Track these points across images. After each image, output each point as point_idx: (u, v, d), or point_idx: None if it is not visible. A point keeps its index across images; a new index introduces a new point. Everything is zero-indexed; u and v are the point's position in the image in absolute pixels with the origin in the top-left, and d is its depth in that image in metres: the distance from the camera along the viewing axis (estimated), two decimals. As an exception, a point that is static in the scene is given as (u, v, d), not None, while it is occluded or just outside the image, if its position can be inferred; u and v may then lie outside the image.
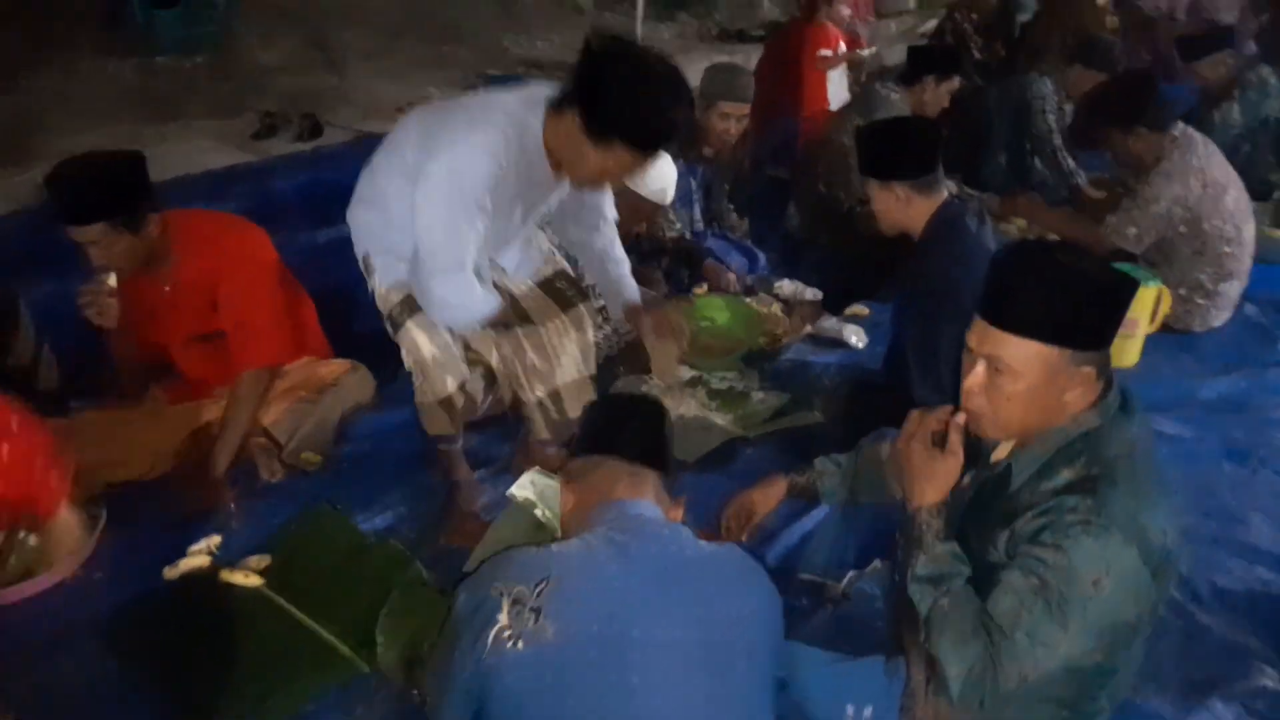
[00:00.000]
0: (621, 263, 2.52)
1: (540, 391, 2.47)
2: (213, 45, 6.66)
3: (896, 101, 4.04)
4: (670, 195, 2.87)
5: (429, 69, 6.54)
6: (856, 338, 3.39)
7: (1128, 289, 1.47)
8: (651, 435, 1.53)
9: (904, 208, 2.54)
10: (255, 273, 2.45)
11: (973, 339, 1.53)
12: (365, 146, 4.84)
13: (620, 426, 1.52)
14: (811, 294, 3.63)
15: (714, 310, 3.29)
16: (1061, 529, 1.41)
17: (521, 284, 2.44)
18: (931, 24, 8.92)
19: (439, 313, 2.16)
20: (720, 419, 2.93)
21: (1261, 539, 2.49)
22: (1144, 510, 1.43)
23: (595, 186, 2.21)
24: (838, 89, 4.82)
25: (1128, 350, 3.29)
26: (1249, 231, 3.45)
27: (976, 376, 1.51)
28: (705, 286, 3.73)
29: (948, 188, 4.09)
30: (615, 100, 1.85)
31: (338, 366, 2.62)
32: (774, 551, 2.27)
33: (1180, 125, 3.44)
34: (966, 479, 1.64)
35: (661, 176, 2.79)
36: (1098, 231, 3.48)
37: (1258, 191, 4.53)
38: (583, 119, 1.89)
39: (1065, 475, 1.47)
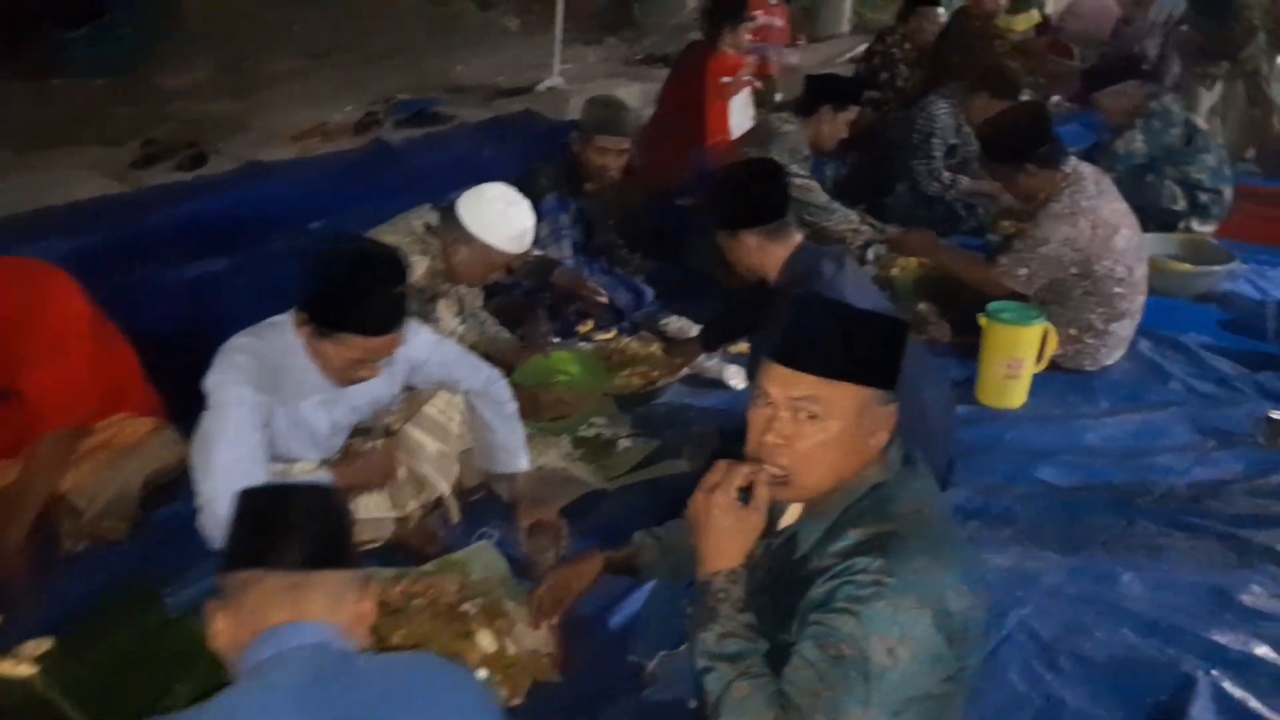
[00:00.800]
0: (497, 430, 2.45)
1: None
2: (124, 68, 6.46)
3: (791, 133, 3.94)
4: (528, 242, 2.74)
5: (348, 92, 6.36)
6: (738, 379, 3.26)
7: (901, 330, 1.46)
8: (317, 531, 1.22)
9: (757, 255, 2.43)
10: (60, 325, 2.27)
11: (773, 387, 1.42)
12: (246, 177, 4.82)
13: (274, 529, 1.20)
14: (696, 331, 3.50)
15: (566, 364, 3.13)
16: (853, 592, 1.30)
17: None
18: (863, 48, 8.91)
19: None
20: (580, 470, 2.77)
21: (1131, 599, 2.36)
22: (939, 570, 1.32)
23: (349, 380, 2.13)
24: (741, 118, 4.71)
25: (1014, 391, 3.20)
26: (1140, 271, 3.37)
27: (781, 426, 1.40)
28: (590, 323, 3.61)
29: (849, 219, 4.09)
30: (335, 296, 1.98)
31: (143, 426, 2.43)
32: (602, 632, 2.13)
33: (1072, 162, 3.35)
34: (760, 550, 1.50)
35: (509, 225, 2.66)
36: (990, 271, 3.38)
37: (1162, 222, 4.50)
38: (311, 321, 2.00)
39: (853, 535, 1.38)
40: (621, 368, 3.26)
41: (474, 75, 7.06)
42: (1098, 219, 3.22)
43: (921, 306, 3.68)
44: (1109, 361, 3.44)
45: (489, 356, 2.71)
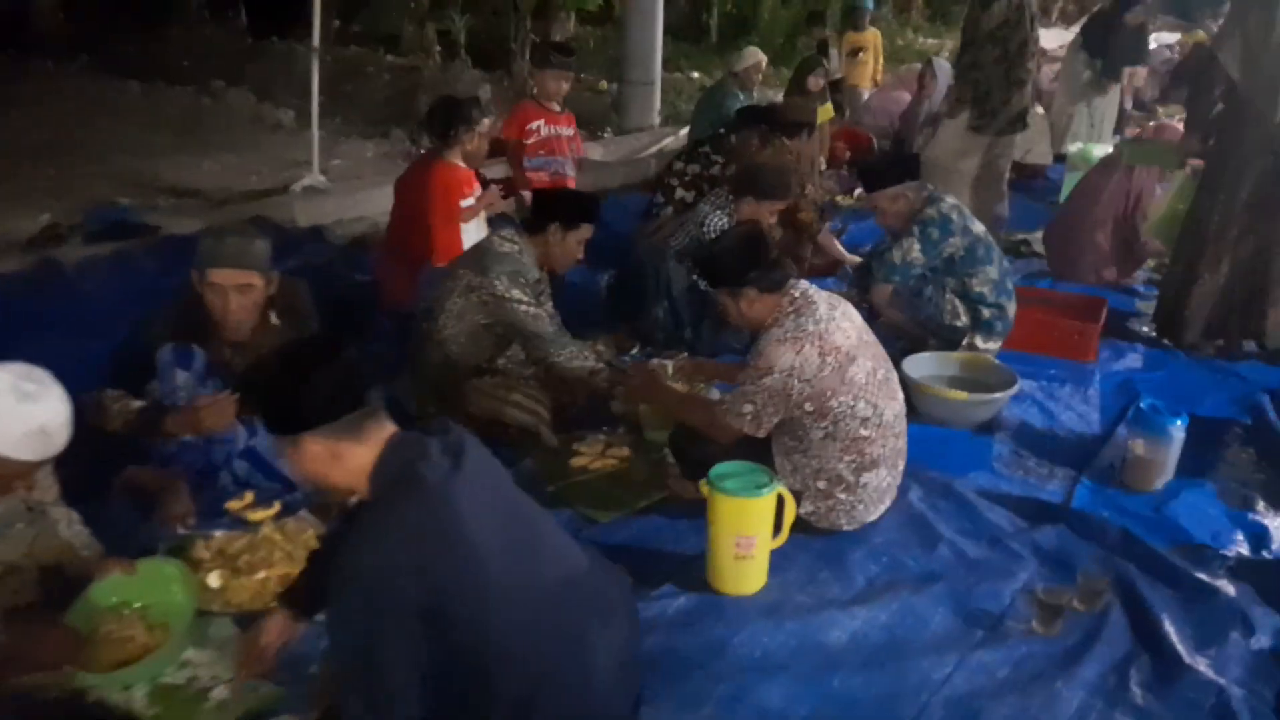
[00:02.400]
0: None
1: None
2: None
3: (511, 254, 3.34)
4: (55, 445, 2.00)
5: (55, 196, 5.49)
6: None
7: None
8: None
9: (333, 463, 1.78)
10: None
11: None
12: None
13: None
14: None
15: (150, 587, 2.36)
16: None
17: None
18: (669, 140, 8.58)
19: None
20: None
21: None
22: None
23: None
24: (476, 236, 4.10)
25: (748, 574, 2.60)
26: (892, 410, 2.86)
27: None
28: (249, 496, 2.86)
29: (580, 354, 3.46)
30: None
31: None
32: None
33: (802, 285, 2.85)
34: None
35: (17, 424, 1.92)
36: (713, 412, 2.83)
37: (945, 339, 4.09)
38: None
39: None
40: (252, 571, 2.52)
41: (221, 176, 6.28)
42: (826, 345, 2.70)
43: (668, 460, 3.12)
44: (871, 518, 2.91)
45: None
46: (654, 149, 8.43)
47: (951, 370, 3.86)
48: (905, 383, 3.61)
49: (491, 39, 9.48)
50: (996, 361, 3.83)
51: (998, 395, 3.59)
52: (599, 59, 11.16)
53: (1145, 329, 4.75)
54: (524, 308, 3.27)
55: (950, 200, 4.05)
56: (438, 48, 8.98)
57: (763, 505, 2.55)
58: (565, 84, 5.30)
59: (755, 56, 7.41)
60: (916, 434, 3.36)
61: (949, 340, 4.09)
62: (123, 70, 8.68)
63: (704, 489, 2.59)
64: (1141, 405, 3.26)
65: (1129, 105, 9.63)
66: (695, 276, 4.10)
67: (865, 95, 9.12)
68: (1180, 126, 8.04)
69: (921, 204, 4.03)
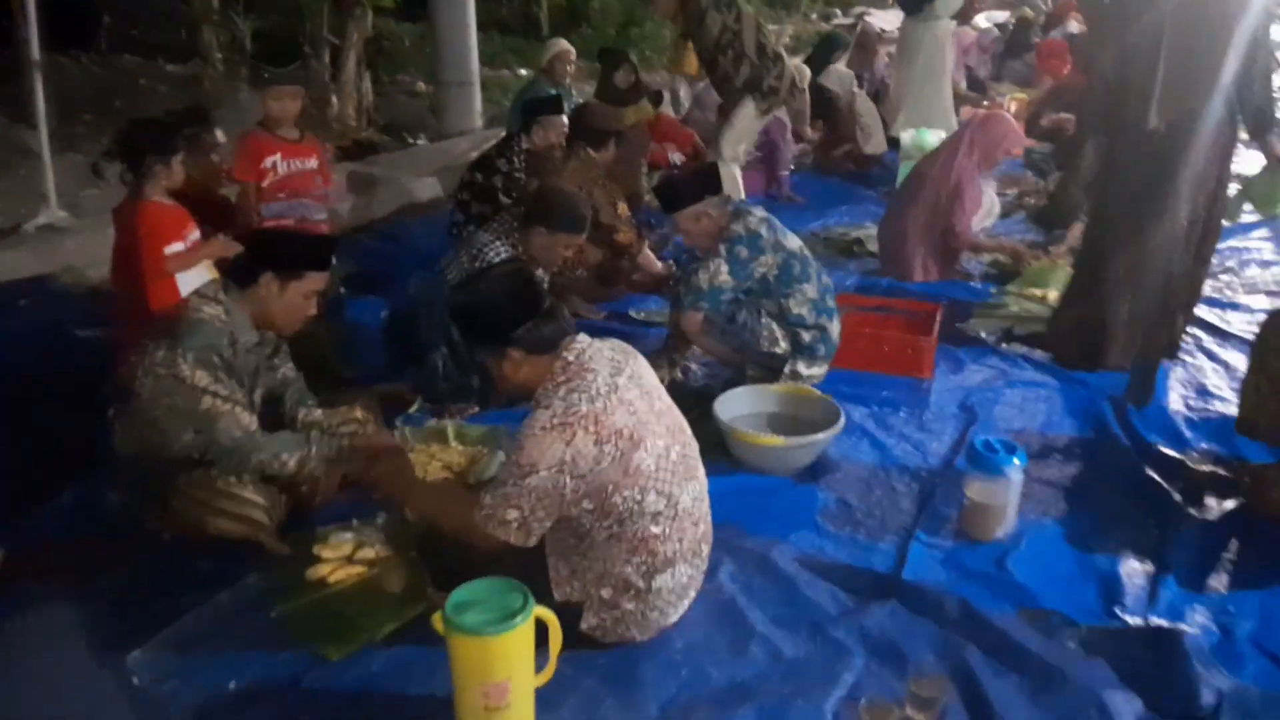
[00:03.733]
0: None
1: None
2: None
3: (207, 322, 2.65)
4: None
5: None
6: None
7: None
8: None
9: None
10: None
11: None
12: None
13: None
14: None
15: None
16: None
17: None
18: (491, 145, 7.93)
19: None
20: None
21: None
22: None
23: None
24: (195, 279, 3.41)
25: (504, 725, 2.05)
26: (690, 493, 2.35)
27: None
28: None
29: (278, 457, 2.67)
30: None
31: None
32: None
33: (579, 344, 2.31)
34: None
35: None
36: (473, 517, 2.25)
37: (765, 368, 3.64)
38: None
39: None
40: None
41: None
42: (604, 429, 2.16)
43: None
44: (669, 621, 2.39)
45: None
46: (475, 154, 7.77)
47: (770, 406, 3.40)
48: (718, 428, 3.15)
49: (284, 42, 8.65)
50: (818, 395, 3.38)
51: (818, 437, 3.14)
52: (417, 58, 10.40)
53: (986, 335, 4.41)
54: (209, 400, 2.60)
55: (759, 214, 3.58)
56: (219, 55, 8.06)
57: (513, 641, 1.99)
58: (293, 103, 4.21)
59: (559, 46, 6.87)
60: (730, 488, 2.91)
61: (769, 368, 3.63)
62: None
63: (437, 623, 2.02)
64: (975, 443, 2.85)
65: (962, 83, 9.51)
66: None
67: (699, 86, 8.58)
68: (1013, 107, 7.95)
69: (727, 220, 3.55)
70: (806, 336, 3.60)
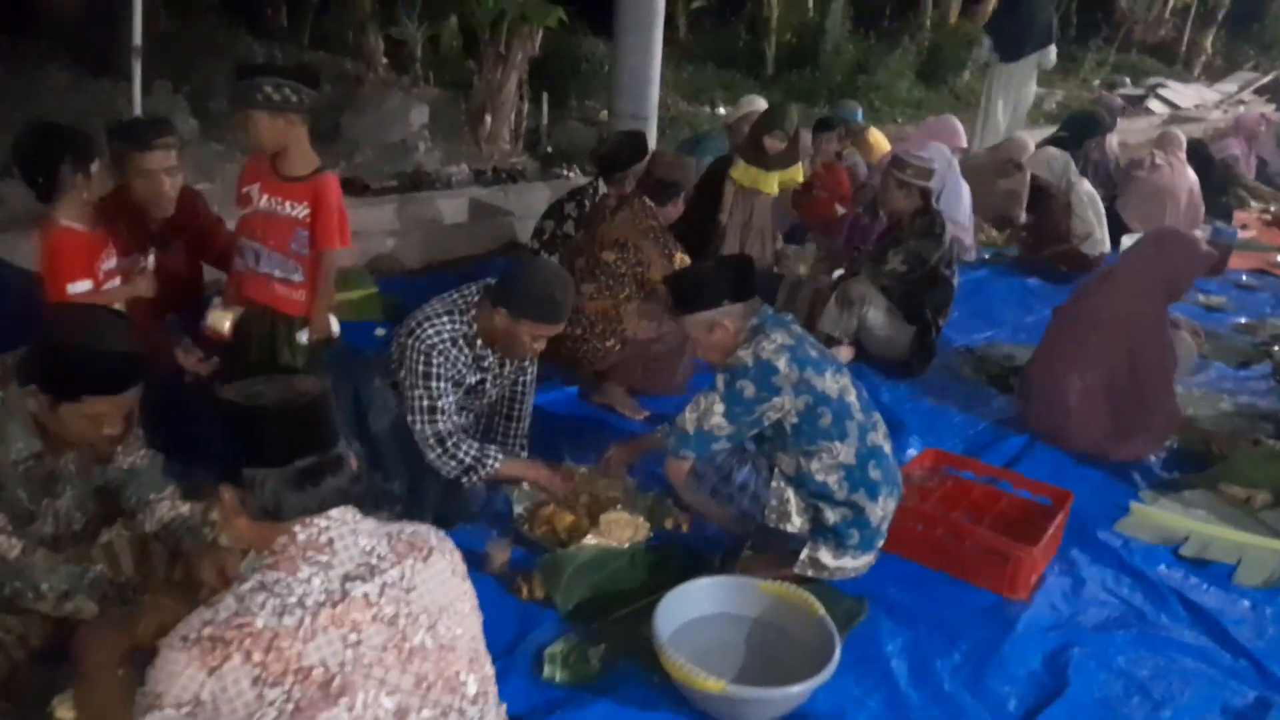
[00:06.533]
0: None
1: None
2: None
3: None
4: None
5: None
6: None
7: None
8: None
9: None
10: None
11: None
12: None
13: None
14: None
15: None
16: None
17: None
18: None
19: None
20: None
21: None
22: None
23: None
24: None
25: None
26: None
27: None
28: None
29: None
30: None
31: None
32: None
33: (320, 524, 1.46)
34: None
35: None
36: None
37: (773, 548, 2.60)
38: None
39: None
40: None
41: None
42: (278, 663, 1.31)
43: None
44: None
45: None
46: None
47: (754, 609, 2.38)
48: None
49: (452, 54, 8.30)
50: (819, 611, 2.31)
51: (789, 691, 2.07)
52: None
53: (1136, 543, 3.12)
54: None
55: (782, 336, 2.54)
56: (383, 59, 7.79)
57: None
58: (285, 124, 2.98)
59: (753, 107, 6.05)
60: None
61: (779, 549, 2.60)
62: None
63: None
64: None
65: (1250, 173, 7.95)
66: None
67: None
68: None
69: (746, 337, 2.57)
70: (831, 516, 2.53)
